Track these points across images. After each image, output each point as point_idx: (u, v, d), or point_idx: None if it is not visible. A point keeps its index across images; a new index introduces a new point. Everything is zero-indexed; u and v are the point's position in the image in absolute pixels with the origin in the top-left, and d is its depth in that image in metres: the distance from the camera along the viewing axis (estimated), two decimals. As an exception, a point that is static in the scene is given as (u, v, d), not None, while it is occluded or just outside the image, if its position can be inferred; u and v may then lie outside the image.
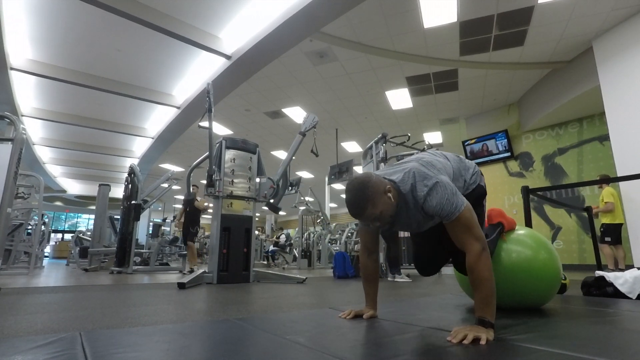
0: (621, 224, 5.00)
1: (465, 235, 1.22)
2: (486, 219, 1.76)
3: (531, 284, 1.62)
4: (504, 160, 7.89)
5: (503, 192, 7.78)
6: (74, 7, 4.64)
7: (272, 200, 4.69)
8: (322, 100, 7.45)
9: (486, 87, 6.98)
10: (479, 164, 8.16)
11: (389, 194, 1.27)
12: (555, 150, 7.22)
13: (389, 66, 6.15)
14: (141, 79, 6.69)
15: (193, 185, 5.97)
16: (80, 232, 9.78)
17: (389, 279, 4.58)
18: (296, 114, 8.00)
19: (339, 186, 12.70)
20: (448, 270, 7.44)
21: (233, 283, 3.88)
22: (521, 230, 1.78)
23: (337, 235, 10.28)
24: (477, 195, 1.51)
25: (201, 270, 3.89)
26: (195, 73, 6.40)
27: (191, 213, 5.89)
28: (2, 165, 2.96)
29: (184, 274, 5.53)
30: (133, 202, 6.11)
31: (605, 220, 5.08)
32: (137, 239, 6.24)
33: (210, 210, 5.52)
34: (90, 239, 8.34)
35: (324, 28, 4.96)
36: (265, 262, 10.54)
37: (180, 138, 9.04)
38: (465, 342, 1.04)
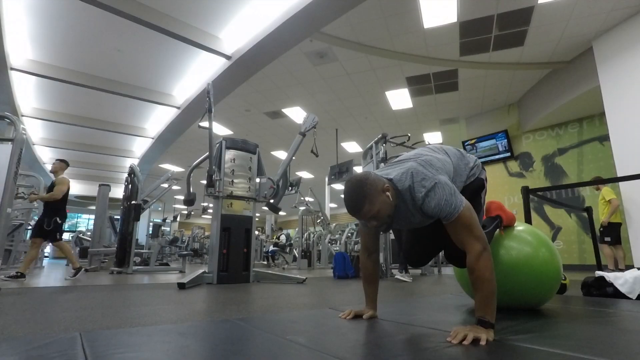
0: (620, 224, 5.00)
1: (466, 235, 1.21)
2: (484, 211, 1.71)
3: (530, 282, 1.59)
4: (504, 160, 7.89)
5: (503, 193, 7.78)
6: (74, 8, 4.64)
7: (272, 201, 4.69)
8: (322, 101, 7.45)
9: (486, 87, 6.98)
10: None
11: (387, 193, 1.26)
12: (555, 151, 7.22)
13: (389, 66, 6.15)
14: (141, 79, 6.69)
15: (57, 160, 4.52)
16: (80, 232, 9.79)
17: (397, 276, 4.58)
18: (296, 114, 8.00)
19: (339, 186, 12.67)
20: (448, 270, 7.43)
21: (233, 283, 3.88)
22: (521, 227, 1.75)
23: (337, 236, 10.29)
24: (475, 188, 1.50)
25: (201, 270, 3.89)
26: (195, 73, 6.40)
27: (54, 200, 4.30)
28: (2, 165, 2.96)
29: (67, 278, 4.35)
30: (133, 202, 6.11)
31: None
32: (137, 239, 6.24)
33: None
34: (90, 239, 8.35)
35: (324, 28, 4.96)
36: (265, 262, 10.54)
37: (180, 138, 9.04)
38: (465, 342, 1.04)
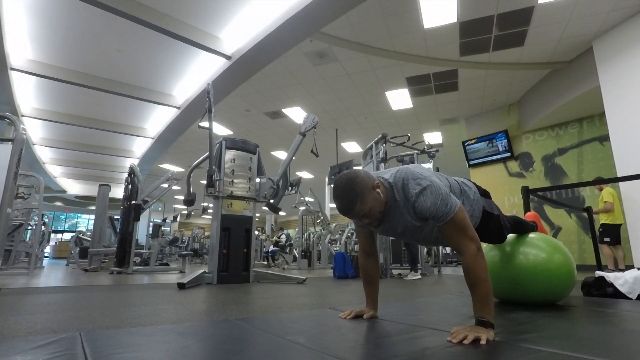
0: (620, 225, 4.99)
1: (460, 236, 1.21)
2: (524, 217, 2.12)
3: (550, 282, 1.80)
4: (504, 160, 7.88)
5: (503, 193, 7.78)
6: (74, 8, 4.64)
7: (272, 201, 4.70)
8: (322, 101, 7.45)
9: (486, 87, 6.98)
10: (479, 164, 8.17)
11: (378, 190, 1.26)
12: (555, 151, 7.21)
13: (389, 66, 6.15)
14: (141, 79, 6.69)
15: None
16: (80, 232, 9.78)
17: (407, 277, 4.71)
18: (296, 114, 8.00)
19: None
20: (448, 270, 7.44)
21: (233, 283, 3.88)
22: (539, 235, 1.98)
23: (337, 236, 10.29)
24: (493, 225, 1.61)
25: (201, 270, 3.89)
26: (196, 73, 6.40)
27: None
28: (2, 165, 2.96)
29: None
30: (133, 202, 6.11)
31: (604, 220, 5.08)
32: (137, 239, 6.24)
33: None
34: (90, 239, 8.35)
35: (324, 28, 4.96)
36: (265, 263, 10.54)
37: (180, 138, 9.04)
38: (465, 342, 1.04)
